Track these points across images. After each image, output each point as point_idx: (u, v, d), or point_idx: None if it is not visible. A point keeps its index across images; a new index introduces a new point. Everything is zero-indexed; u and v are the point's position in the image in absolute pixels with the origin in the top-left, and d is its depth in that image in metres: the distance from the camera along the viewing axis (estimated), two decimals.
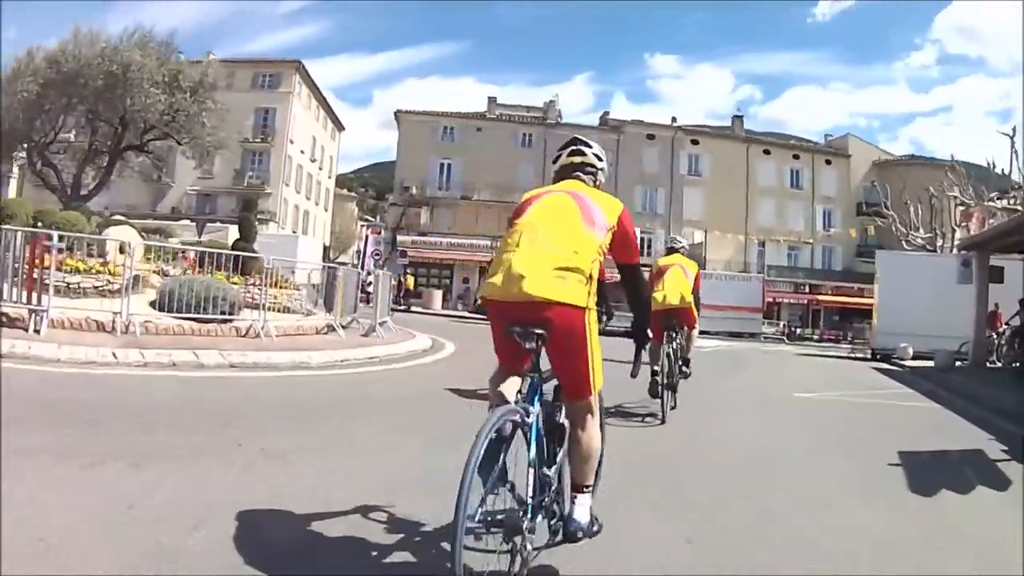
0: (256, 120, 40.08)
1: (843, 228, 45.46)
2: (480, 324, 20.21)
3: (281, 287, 10.78)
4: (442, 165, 39.36)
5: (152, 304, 8.51)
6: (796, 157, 45.40)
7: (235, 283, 9.54)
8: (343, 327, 10.58)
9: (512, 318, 2.14)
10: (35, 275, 6.85)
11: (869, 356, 19.92)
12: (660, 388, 5.76)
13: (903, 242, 33.91)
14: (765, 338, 32.56)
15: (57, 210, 14.10)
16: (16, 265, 6.93)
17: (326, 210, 50.39)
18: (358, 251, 39.56)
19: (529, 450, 2.09)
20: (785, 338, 37.51)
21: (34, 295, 6.84)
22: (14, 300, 6.89)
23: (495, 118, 40.29)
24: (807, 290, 44.06)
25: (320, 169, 47.35)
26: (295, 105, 40.46)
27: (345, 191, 59.83)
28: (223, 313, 8.49)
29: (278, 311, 9.77)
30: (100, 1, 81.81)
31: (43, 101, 18.05)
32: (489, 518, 1.95)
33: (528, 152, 40.12)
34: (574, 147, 2.71)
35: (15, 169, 36.25)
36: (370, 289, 13.85)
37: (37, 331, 6.66)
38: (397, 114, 39.32)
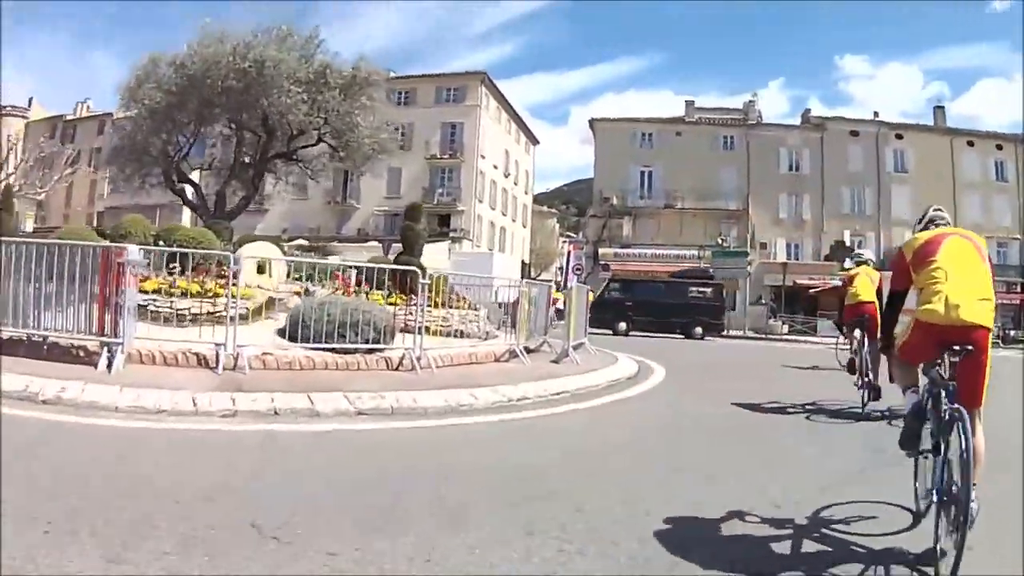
0: (443, 135, 38.64)
1: None
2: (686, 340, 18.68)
3: (456, 307, 9.13)
4: (642, 173, 37.29)
5: (281, 332, 6.96)
6: (1000, 148, 41.53)
7: (393, 303, 7.84)
8: (528, 351, 8.85)
9: (947, 339, 2.72)
10: (114, 298, 5.48)
11: None
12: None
13: None
14: None
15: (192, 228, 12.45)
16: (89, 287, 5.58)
17: (524, 226, 48.94)
18: (560, 267, 37.34)
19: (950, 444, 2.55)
20: (1000, 341, 33.84)
21: (107, 322, 5.48)
22: (85, 330, 5.61)
23: (694, 121, 37.89)
24: (1019, 289, 40.18)
25: (515, 184, 45.77)
26: (483, 118, 38.84)
27: (545, 208, 58.08)
28: (368, 341, 6.75)
29: (447, 335, 8.07)
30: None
31: (172, 111, 16.21)
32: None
33: (730, 155, 37.73)
34: (938, 207, 3.37)
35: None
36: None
37: (108, 367, 5.33)
38: (592, 123, 37.38)
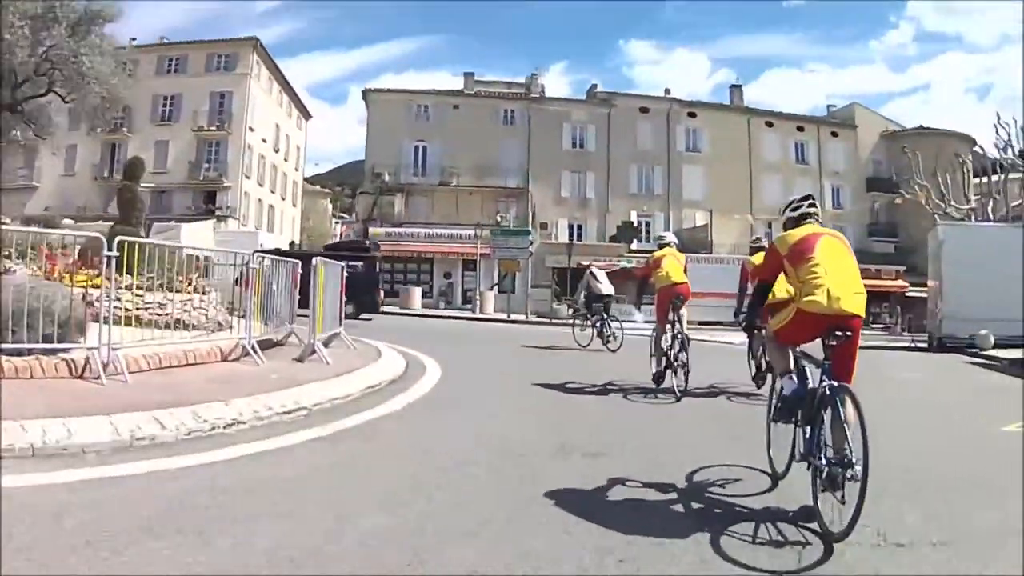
0: (212, 106, 36.02)
1: (853, 205, 41.48)
2: (466, 324, 15.67)
3: (180, 290, 7.32)
4: (416, 148, 35.26)
5: None
6: (800, 129, 41.49)
7: (84, 284, 5.89)
8: (273, 345, 7.55)
9: (829, 326, 3.08)
10: None
11: (927, 346, 16.98)
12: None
13: (936, 216, 29.73)
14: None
15: None
16: None
17: (294, 205, 45.91)
18: None
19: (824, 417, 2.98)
20: None
21: None
22: None
23: (473, 94, 35.95)
24: None
25: (286, 160, 43.21)
26: (254, 88, 36.26)
27: (318, 188, 55.20)
28: (44, 339, 4.99)
29: (165, 327, 6.42)
30: None
31: None
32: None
33: (511, 130, 36.13)
34: (812, 200, 3.62)
35: None
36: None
37: None
38: (366, 94, 35.24)
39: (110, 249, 5.14)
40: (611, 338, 11.11)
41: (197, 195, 36.26)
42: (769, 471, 3.57)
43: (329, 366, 6.66)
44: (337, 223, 40.32)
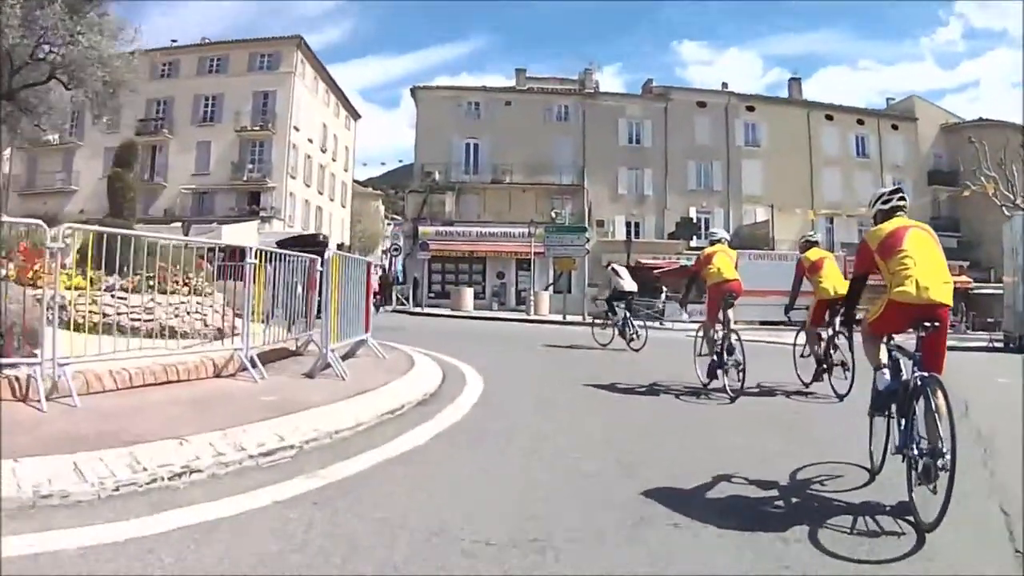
0: (255, 105, 34.53)
1: (915, 199, 38.77)
2: (518, 327, 14.05)
3: (175, 290, 6.17)
4: (468, 146, 33.55)
5: None
6: (861, 123, 39.30)
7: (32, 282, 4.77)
8: (272, 359, 6.14)
9: (918, 316, 3.11)
10: None
11: (1004, 346, 15.57)
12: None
13: (1003, 208, 27.79)
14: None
15: None
16: None
17: (344, 207, 44.16)
18: (384, 250, 33.05)
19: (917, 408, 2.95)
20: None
21: None
22: None
23: (525, 90, 34.15)
24: None
25: (334, 161, 41.54)
26: (298, 86, 34.70)
27: (370, 189, 53.64)
28: None
29: (150, 336, 5.20)
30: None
31: None
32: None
33: (564, 126, 34.26)
34: (901, 193, 3.60)
35: None
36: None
37: None
38: (414, 91, 33.60)
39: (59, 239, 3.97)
40: (635, 336, 10.58)
41: (240, 196, 34.75)
42: (868, 466, 3.52)
43: (344, 382, 5.29)
44: (389, 224, 38.66)
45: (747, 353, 6.13)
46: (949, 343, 3.26)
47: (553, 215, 31.10)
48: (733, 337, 6.19)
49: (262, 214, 33.72)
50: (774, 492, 3.18)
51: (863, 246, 3.46)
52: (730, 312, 6.43)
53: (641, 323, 11.01)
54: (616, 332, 10.90)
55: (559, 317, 24.10)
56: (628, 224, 34.54)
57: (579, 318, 24.09)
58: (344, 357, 6.32)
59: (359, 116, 46.97)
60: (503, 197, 33.56)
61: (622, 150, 34.99)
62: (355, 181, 48.88)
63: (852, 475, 3.44)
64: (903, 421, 2.98)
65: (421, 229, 32.17)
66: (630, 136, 35.26)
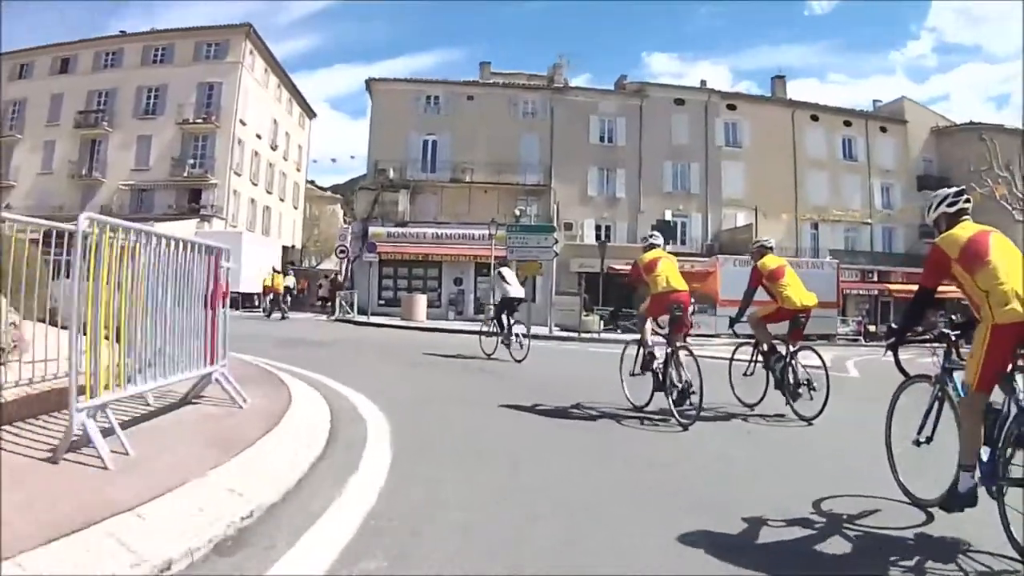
0: (199, 97, 31.33)
1: (904, 204, 36.14)
2: (473, 339, 11.17)
3: None
4: (426, 142, 30.22)
5: None
6: (848, 124, 36.09)
7: None
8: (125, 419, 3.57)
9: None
10: None
11: None
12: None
13: (1013, 212, 25.36)
14: (840, 339, 25.07)
15: None
16: None
17: (296, 208, 40.66)
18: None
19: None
20: (861, 338, 27.83)
21: None
22: None
23: (489, 83, 30.80)
24: (875, 277, 34.10)
25: (285, 160, 37.99)
26: (246, 78, 31.51)
27: (329, 192, 50.24)
28: None
29: None
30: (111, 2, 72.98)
31: None
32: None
33: (532, 122, 31.03)
34: (966, 195, 3.08)
35: None
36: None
37: None
38: (369, 83, 30.21)
39: None
40: (520, 346, 9.76)
41: (181, 193, 31.39)
42: (909, 500, 3.14)
43: (108, 473, 2.63)
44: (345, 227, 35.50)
45: (703, 371, 5.13)
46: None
47: (517, 212, 27.74)
48: (683, 355, 5.33)
49: (202, 212, 30.36)
50: (816, 531, 2.75)
51: (938, 254, 2.93)
52: (677, 332, 5.55)
53: (524, 331, 10.05)
54: (499, 341, 9.99)
55: (522, 328, 20.66)
56: (598, 227, 31.21)
57: (545, 330, 20.69)
58: (162, 410, 3.94)
59: (314, 115, 43.82)
60: (463, 197, 30.21)
61: (593, 149, 31.68)
62: (313, 184, 45.59)
63: (894, 511, 3.02)
64: (993, 449, 2.61)
65: (371, 230, 28.77)
66: (602, 134, 31.96)
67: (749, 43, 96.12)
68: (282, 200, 38.66)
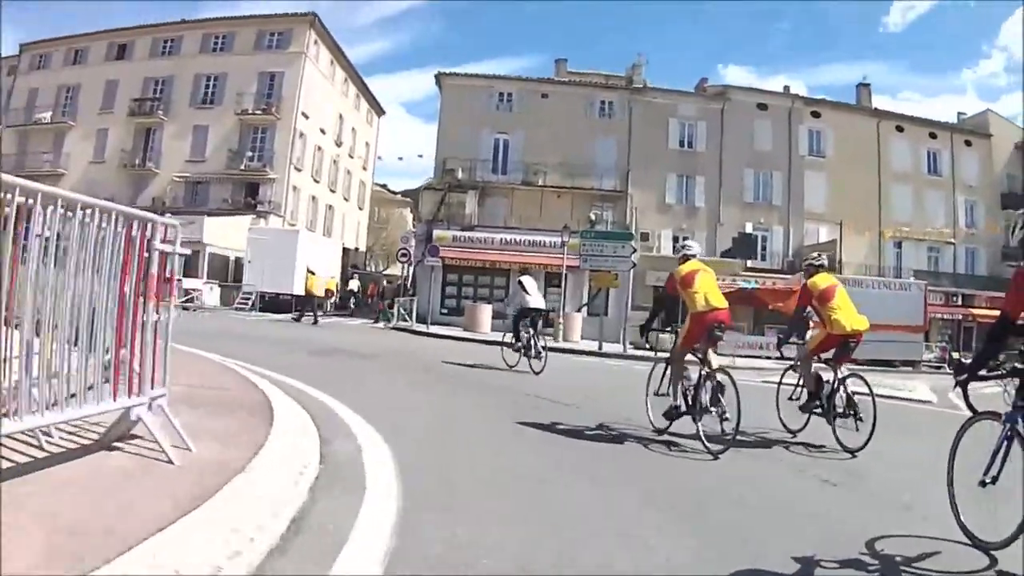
0: (260, 87, 29.33)
1: (987, 222, 33.38)
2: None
3: None
4: (497, 142, 27.76)
5: None
6: (933, 136, 33.12)
7: None
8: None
9: None
10: None
11: None
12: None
13: None
14: (924, 366, 22.84)
15: None
16: None
17: (360, 208, 38.47)
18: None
19: None
20: (945, 366, 25.17)
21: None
22: None
23: (564, 81, 28.44)
24: (958, 301, 31.31)
25: (351, 157, 35.64)
26: (309, 70, 29.31)
27: (399, 196, 48.11)
28: None
29: None
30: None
31: None
32: None
33: (608, 124, 28.70)
34: None
35: None
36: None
37: None
38: (439, 77, 27.75)
39: None
40: (538, 357, 9.35)
41: (237, 187, 29.41)
42: (971, 542, 2.88)
43: None
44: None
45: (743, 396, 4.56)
46: None
47: (592, 216, 25.41)
48: (720, 377, 4.74)
49: (259, 208, 28.34)
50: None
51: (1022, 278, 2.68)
52: (712, 349, 5.04)
53: (544, 344, 9.69)
54: (522, 353, 9.65)
55: (594, 345, 18.34)
56: (675, 238, 28.79)
57: (619, 348, 18.33)
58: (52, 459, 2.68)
59: (383, 112, 41.58)
60: (534, 201, 27.94)
61: (672, 154, 29.29)
62: (384, 187, 43.32)
63: (955, 554, 2.79)
64: None
65: (436, 233, 26.55)
66: (681, 139, 29.55)
67: (824, 58, 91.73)
68: (346, 199, 36.55)
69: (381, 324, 22.50)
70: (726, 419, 4.58)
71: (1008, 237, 34.55)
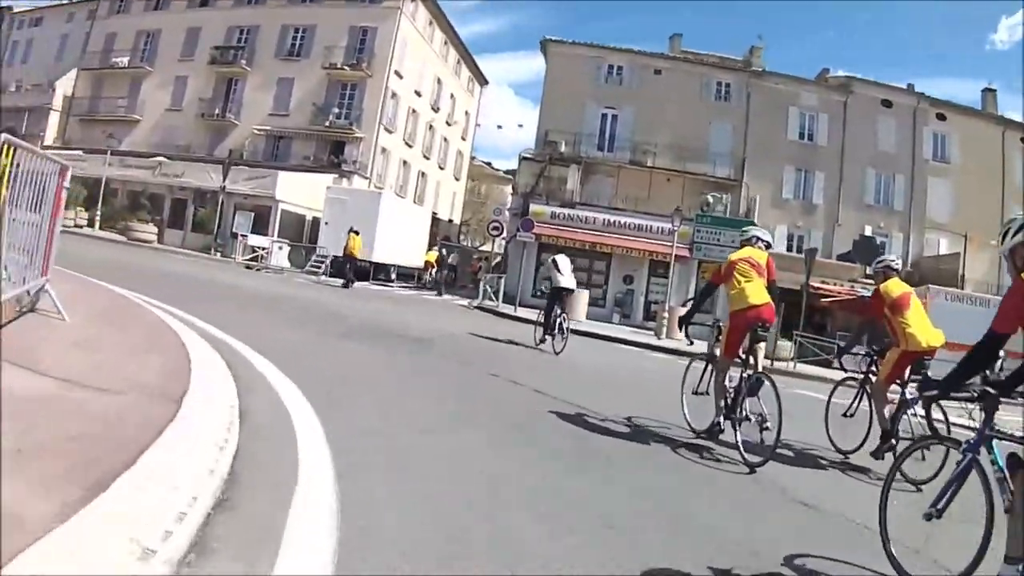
0: (350, 42, 26.51)
1: None
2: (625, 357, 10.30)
3: None
4: (604, 116, 24.72)
5: None
6: None
7: None
8: None
9: None
10: None
11: None
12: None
13: None
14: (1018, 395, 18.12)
15: None
16: None
17: (457, 179, 35.53)
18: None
19: None
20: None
21: None
22: None
23: (679, 57, 25.35)
24: None
25: (449, 125, 32.67)
26: (404, 26, 26.44)
27: (501, 172, 45.23)
28: None
29: None
30: None
31: None
32: None
33: (724, 107, 25.63)
34: None
35: None
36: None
37: None
38: (544, 44, 24.82)
39: None
40: (561, 335, 9.02)
41: (321, 145, 26.61)
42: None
43: None
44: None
45: (784, 405, 3.94)
46: None
47: (710, 199, 22.27)
48: (754, 381, 4.21)
49: (343, 167, 25.47)
50: None
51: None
52: (759, 347, 4.44)
53: (568, 324, 9.26)
54: (544, 331, 9.24)
55: (700, 347, 14.90)
56: (791, 236, 25.58)
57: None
58: None
59: (486, 82, 38.46)
60: (642, 182, 24.85)
61: (791, 145, 26.09)
62: (489, 165, 40.29)
63: None
64: None
65: (532, 208, 23.49)
66: (801, 130, 26.36)
67: (936, 70, 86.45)
68: (441, 168, 33.60)
69: (466, 303, 19.51)
70: (766, 428, 3.97)
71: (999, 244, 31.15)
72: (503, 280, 20.40)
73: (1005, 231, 2.48)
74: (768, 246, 4.72)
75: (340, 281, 18.20)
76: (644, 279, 23.91)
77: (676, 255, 19.28)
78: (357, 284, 18.89)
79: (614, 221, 23.73)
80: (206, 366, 3.77)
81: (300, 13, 27.54)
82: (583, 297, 19.81)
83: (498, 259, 25.37)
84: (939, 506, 2.41)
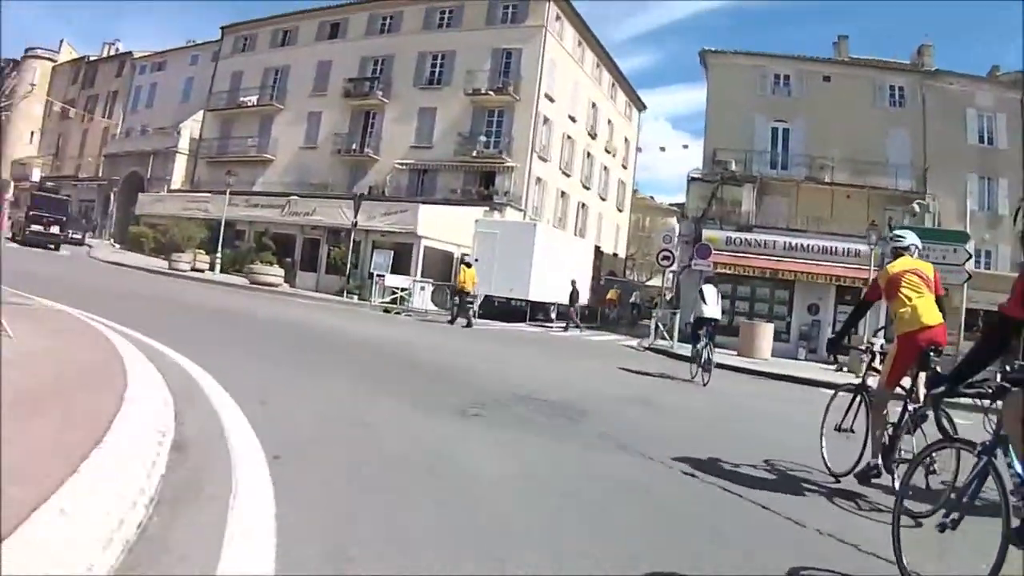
0: (494, 66, 24.29)
1: None
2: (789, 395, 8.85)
3: None
4: (775, 131, 22.47)
5: None
6: None
7: None
8: None
9: None
10: None
11: None
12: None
13: None
14: None
15: None
16: None
17: (620, 210, 33.55)
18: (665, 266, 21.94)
19: None
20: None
21: None
22: None
23: (847, 62, 23.06)
24: None
25: (608, 153, 30.67)
26: (551, 46, 24.52)
27: (666, 205, 43.26)
28: None
29: None
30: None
31: None
32: None
33: (898, 114, 23.39)
34: None
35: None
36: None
37: None
38: (704, 55, 22.80)
39: None
40: (707, 370, 8.58)
41: (469, 176, 24.92)
42: None
43: None
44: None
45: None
46: None
47: (915, 207, 19.90)
48: (919, 416, 3.47)
49: (495, 199, 23.74)
50: None
51: None
52: (922, 377, 3.55)
53: (713, 358, 8.83)
54: (697, 365, 8.75)
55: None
56: (977, 251, 23.12)
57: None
58: None
59: (644, 107, 36.34)
60: (821, 201, 22.65)
61: (971, 151, 23.62)
62: (651, 199, 38.25)
63: None
64: None
65: (706, 233, 21.45)
66: (980, 134, 23.86)
67: None
68: (603, 199, 31.66)
69: (635, 343, 17.51)
70: (932, 472, 2.98)
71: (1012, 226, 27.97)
72: (678, 316, 18.22)
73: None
74: (923, 253, 4.04)
75: (498, 324, 16.59)
76: (831, 308, 21.64)
77: (872, 279, 17.14)
78: (508, 325, 17.26)
79: (796, 244, 21.55)
80: None
81: (437, 39, 25.86)
82: (767, 332, 17.73)
83: (670, 294, 23.31)
84: (953, 516, 2.14)
